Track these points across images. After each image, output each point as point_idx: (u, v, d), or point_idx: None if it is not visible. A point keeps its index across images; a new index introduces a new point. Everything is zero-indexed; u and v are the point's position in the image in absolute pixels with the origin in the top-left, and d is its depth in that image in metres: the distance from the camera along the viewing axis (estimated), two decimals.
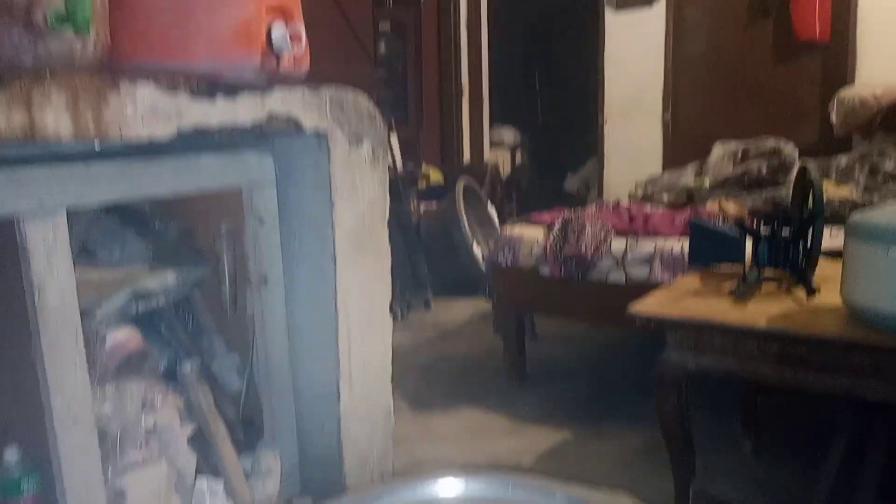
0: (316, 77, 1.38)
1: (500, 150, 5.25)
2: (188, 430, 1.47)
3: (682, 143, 4.13)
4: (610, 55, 4.43)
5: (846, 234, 1.39)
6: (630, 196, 3.16)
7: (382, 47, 5.09)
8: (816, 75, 3.89)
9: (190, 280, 1.52)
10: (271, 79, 1.28)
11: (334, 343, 1.54)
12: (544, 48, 5.88)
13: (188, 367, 1.50)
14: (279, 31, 1.21)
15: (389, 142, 3.98)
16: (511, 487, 0.88)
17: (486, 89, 5.39)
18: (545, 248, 2.38)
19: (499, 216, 4.14)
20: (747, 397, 1.96)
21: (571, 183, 5.05)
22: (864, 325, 1.33)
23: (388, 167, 3.78)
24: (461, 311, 3.46)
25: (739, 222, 1.79)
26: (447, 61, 5.09)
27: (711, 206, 2.66)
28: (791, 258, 1.68)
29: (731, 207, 2.54)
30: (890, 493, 1.54)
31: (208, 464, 1.52)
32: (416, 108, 5.19)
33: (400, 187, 3.70)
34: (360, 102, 1.53)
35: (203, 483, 1.48)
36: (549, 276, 2.36)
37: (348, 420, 1.59)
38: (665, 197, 2.93)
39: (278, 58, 1.23)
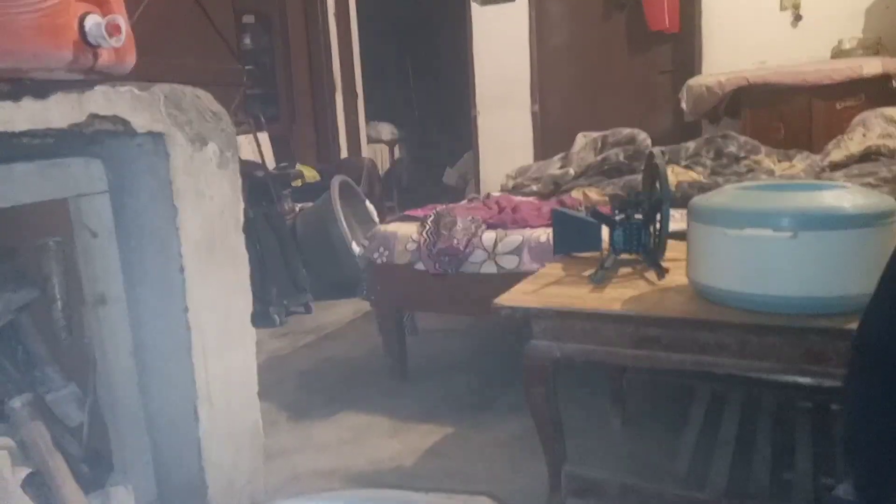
0: (161, 73, 1.26)
1: (378, 146, 5.20)
2: (23, 473, 1.32)
3: (551, 134, 4.27)
4: (478, 49, 4.49)
5: (688, 217, 1.47)
6: (501, 188, 3.22)
7: (248, 41, 4.87)
8: (668, 65, 4.14)
9: (13, 304, 1.35)
10: (90, 76, 1.15)
11: (188, 362, 1.43)
12: (417, 41, 5.87)
13: (18, 403, 1.34)
14: (93, 22, 1.09)
15: (257, 140, 3.82)
16: None
17: (360, 84, 5.31)
18: (419, 243, 2.36)
19: (379, 213, 4.09)
20: (614, 376, 2.04)
21: (450, 177, 5.09)
22: (708, 304, 1.41)
23: (258, 167, 3.62)
24: (342, 312, 3.39)
25: (595, 210, 1.86)
26: (317, 55, 4.96)
27: (576, 194, 2.75)
28: (643, 242, 1.76)
29: (593, 195, 2.64)
30: (746, 451, 1.66)
31: None
32: (287, 104, 5.01)
33: (272, 188, 3.56)
34: (203, 100, 1.42)
35: None
36: (424, 271, 2.34)
37: (210, 443, 1.48)
38: (533, 187, 3.00)
39: (95, 52, 1.12)
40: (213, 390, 1.47)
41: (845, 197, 1.30)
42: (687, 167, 2.86)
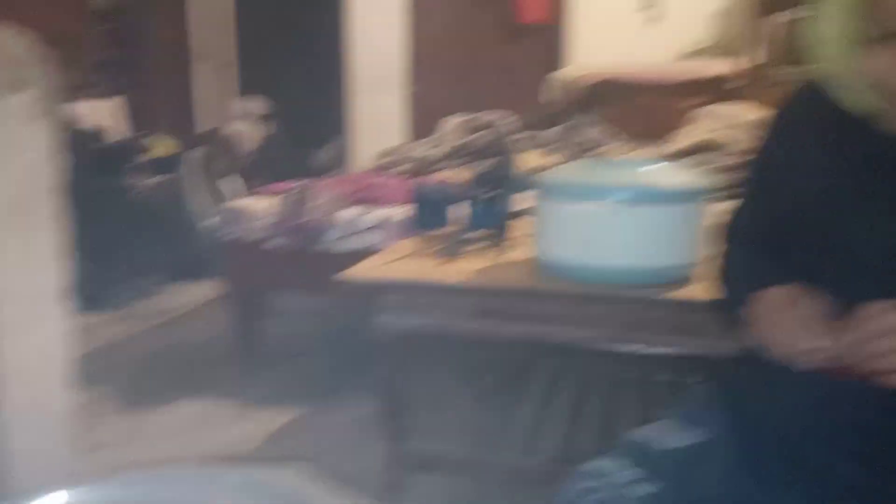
0: None
1: (250, 121, 4.95)
2: None
3: (426, 116, 4.26)
4: (354, 28, 4.40)
5: (537, 192, 1.50)
6: (371, 167, 3.17)
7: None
8: (540, 55, 4.26)
9: None
10: None
11: None
12: (300, 16, 5.65)
13: None
14: None
15: (108, 107, 3.52)
16: (154, 483, 0.77)
17: (235, 55, 5.05)
18: (275, 219, 2.27)
19: (246, 190, 3.90)
20: (468, 353, 2.07)
21: (325, 155, 4.96)
22: (546, 276, 1.45)
23: (99, 135, 3.33)
24: (195, 294, 3.20)
25: (452, 187, 1.86)
26: (181, 21, 4.65)
27: (442, 174, 2.76)
28: (497, 219, 1.79)
29: (459, 176, 2.66)
30: (579, 420, 1.74)
31: None
32: (149, 71, 4.66)
33: (116, 159, 3.29)
34: (13, 43, 1.27)
35: None
36: (279, 248, 2.25)
37: (18, 429, 1.34)
38: (403, 167, 2.98)
39: None
40: (18, 370, 1.32)
41: (668, 175, 1.38)
42: (550, 152, 2.96)
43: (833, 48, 0.76)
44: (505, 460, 1.56)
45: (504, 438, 1.72)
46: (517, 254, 1.63)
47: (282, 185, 2.44)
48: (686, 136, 2.89)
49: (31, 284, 1.33)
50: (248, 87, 5.11)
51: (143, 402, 2.14)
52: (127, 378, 2.32)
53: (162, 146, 3.79)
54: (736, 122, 2.69)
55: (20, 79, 1.28)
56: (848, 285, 0.70)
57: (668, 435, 0.85)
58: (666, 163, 1.55)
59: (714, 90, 3.46)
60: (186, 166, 3.34)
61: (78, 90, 3.22)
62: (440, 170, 2.86)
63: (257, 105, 4.93)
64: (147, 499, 0.77)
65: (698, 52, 3.84)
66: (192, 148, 3.77)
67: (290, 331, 2.69)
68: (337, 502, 0.76)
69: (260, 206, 2.33)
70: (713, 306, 0.94)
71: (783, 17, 3.39)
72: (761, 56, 3.47)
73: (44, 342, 1.36)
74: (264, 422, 2.00)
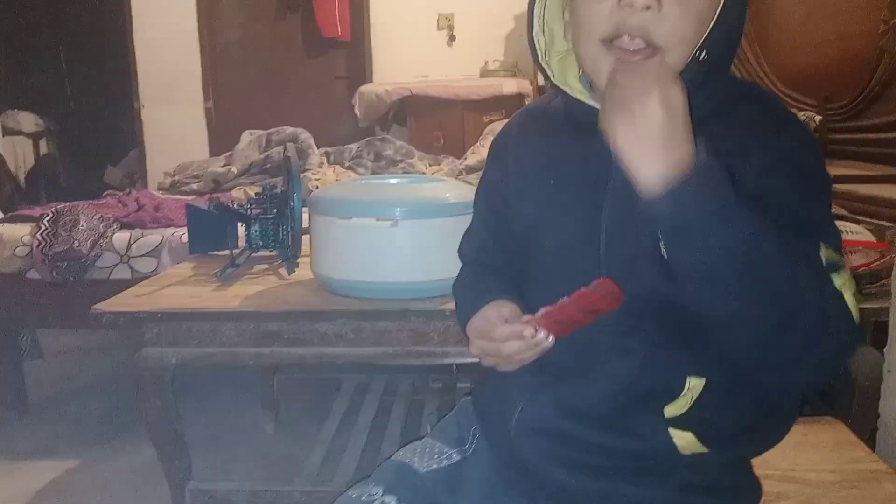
0: None
1: (18, 139, 4.38)
2: None
3: (225, 132, 4.05)
4: (141, 38, 4.07)
5: (310, 209, 1.45)
6: (159, 186, 2.93)
7: None
8: (342, 71, 4.24)
9: None
10: None
11: None
12: (73, 22, 5.10)
13: None
14: None
15: None
16: None
17: (9, 67, 4.45)
18: (31, 247, 1.99)
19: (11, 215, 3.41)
20: (264, 378, 1.96)
21: (113, 175, 4.53)
22: (328, 295, 1.40)
23: None
24: None
25: (227, 205, 1.75)
26: None
27: (237, 192, 2.61)
28: (279, 238, 1.71)
29: (254, 193, 2.53)
30: (379, 437, 1.70)
31: None
32: None
33: None
34: None
35: None
36: (39, 280, 1.98)
37: None
38: (193, 185, 2.79)
39: None
40: None
41: (441, 189, 1.40)
42: (349, 168, 2.93)
43: (552, 60, 0.79)
44: (299, 489, 1.48)
45: (302, 466, 1.64)
46: (302, 274, 1.57)
47: (41, 209, 2.16)
48: (482, 149, 3.01)
49: None
50: (14, 101, 4.51)
51: None
52: None
53: None
54: None
55: None
56: (552, 292, 0.72)
57: (426, 456, 0.83)
58: (443, 178, 1.58)
59: (510, 107, 3.67)
60: None
61: None
62: (235, 187, 2.71)
63: (27, 120, 4.37)
64: None
65: (491, 72, 4.05)
66: None
67: (58, 373, 2.37)
68: None
69: (10, 233, 2.04)
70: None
71: None
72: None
73: None
74: (31, 477, 1.74)
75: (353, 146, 2.96)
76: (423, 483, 0.80)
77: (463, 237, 0.97)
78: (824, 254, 0.65)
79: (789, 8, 2.82)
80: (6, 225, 2.11)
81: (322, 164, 2.82)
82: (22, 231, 2.05)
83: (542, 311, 0.69)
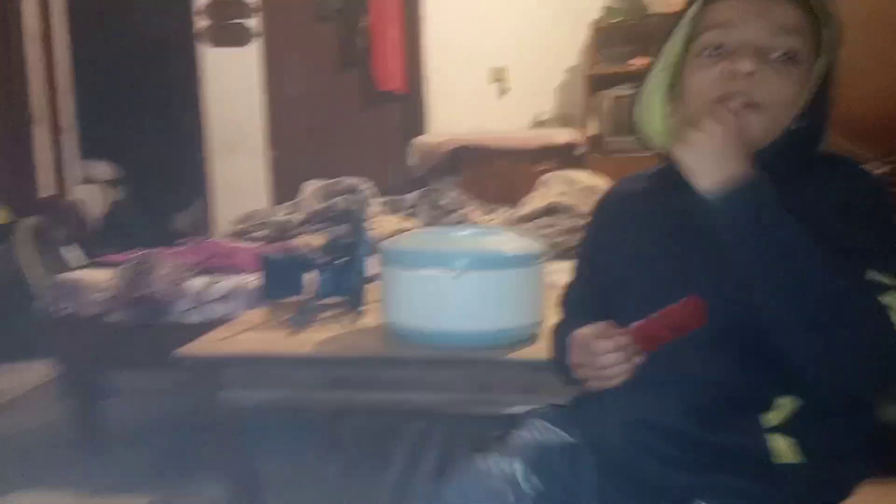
0: None
1: (93, 187, 4.65)
2: None
3: (287, 182, 4.22)
4: (209, 91, 4.32)
5: (381, 260, 1.52)
6: (226, 234, 3.07)
7: None
8: (398, 122, 4.39)
9: None
10: None
11: None
12: (145, 76, 5.44)
13: None
14: None
15: None
16: None
17: (72, 117, 4.75)
18: (114, 291, 2.12)
19: (92, 260, 3.62)
20: (328, 424, 2.01)
21: (181, 222, 4.75)
22: (398, 342, 1.46)
23: None
24: (26, 377, 2.88)
25: (301, 254, 1.84)
26: (10, 81, 4.33)
27: (301, 240, 2.72)
28: (349, 285, 1.78)
29: (317, 242, 2.64)
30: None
31: None
32: None
33: None
34: None
35: None
36: (119, 323, 2.10)
37: None
38: (259, 233, 2.91)
39: None
40: None
41: (504, 241, 1.45)
42: (406, 217, 3.02)
43: (652, 125, 0.90)
44: None
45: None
46: (369, 321, 1.63)
47: (122, 256, 2.30)
48: (536, 200, 3.07)
49: None
50: (92, 151, 4.81)
51: None
52: None
53: None
54: (576, 187, 2.91)
55: None
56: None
57: (543, 436, 0.91)
58: (504, 228, 1.63)
59: (561, 157, 3.73)
60: (22, 235, 3.06)
61: None
62: (298, 235, 2.82)
63: (103, 170, 4.65)
64: None
65: (543, 123, 4.14)
66: (28, 216, 3.47)
67: (133, 413, 2.47)
68: None
69: (98, 278, 2.17)
70: (552, 368, 1.01)
71: (611, 93, 3.78)
72: (596, 127, 3.81)
73: None
74: None
75: (410, 196, 3.06)
76: (548, 455, 0.88)
77: (566, 289, 1.05)
78: (875, 276, 0.71)
79: (845, 59, 2.83)
80: (89, 270, 2.25)
81: (381, 214, 2.92)
82: (102, 276, 2.18)
83: (633, 325, 0.77)
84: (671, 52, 0.86)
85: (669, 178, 0.84)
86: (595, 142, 3.90)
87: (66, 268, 3.27)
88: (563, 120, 4.11)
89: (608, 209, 0.99)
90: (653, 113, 0.89)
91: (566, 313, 1.02)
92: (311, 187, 3.24)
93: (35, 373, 2.87)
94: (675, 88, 0.87)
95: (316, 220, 2.94)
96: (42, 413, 2.50)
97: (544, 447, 0.89)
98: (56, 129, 4.49)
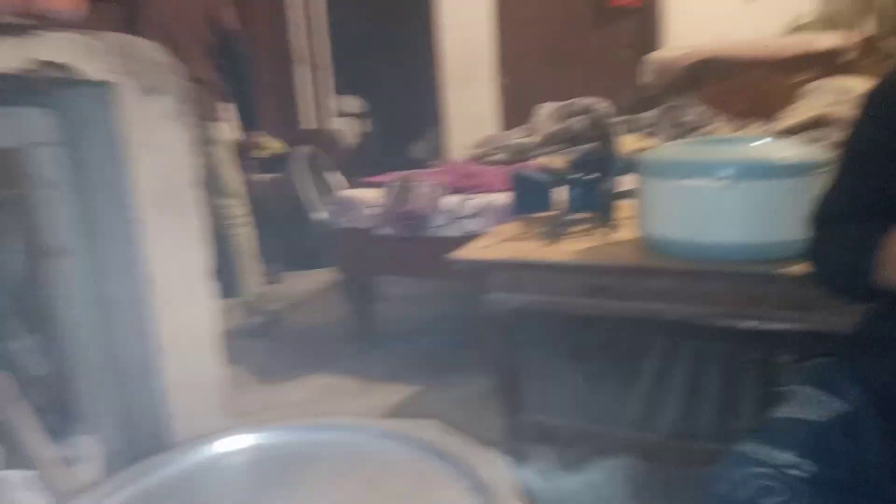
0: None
1: (347, 119, 5.18)
2: None
3: (516, 106, 4.30)
4: (442, 22, 4.49)
5: (640, 171, 1.52)
6: (467, 157, 3.25)
7: None
8: (630, 38, 4.19)
9: None
10: (36, 19, 1.15)
11: (150, 314, 1.44)
12: (384, 13, 5.82)
13: None
14: None
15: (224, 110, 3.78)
16: (315, 430, 0.87)
17: (329, 57, 5.29)
18: (383, 208, 2.39)
19: (348, 185, 4.09)
20: (574, 333, 2.11)
21: (418, 149, 5.11)
22: (656, 253, 1.47)
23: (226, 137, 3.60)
24: (312, 281, 3.41)
25: (551, 170, 1.90)
26: (280, 27, 4.91)
27: (540, 161, 2.79)
28: (598, 200, 1.81)
29: (556, 161, 2.68)
30: (694, 399, 1.73)
31: (16, 457, 1.38)
32: (255, 76, 4.96)
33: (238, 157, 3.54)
34: (155, 53, 1.42)
35: (9, 475, 1.34)
36: (387, 235, 2.37)
37: (175, 394, 1.50)
38: (498, 156, 3.04)
39: None
40: (175, 342, 1.48)
41: (778, 149, 1.36)
42: (648, 135, 2.92)
43: None
44: (622, 434, 1.59)
45: (619, 414, 1.75)
46: (622, 234, 1.66)
47: (386, 177, 2.57)
48: (796, 113, 2.78)
49: (182, 265, 1.49)
50: (343, 86, 5.33)
51: (275, 378, 2.33)
52: (257, 357, 2.52)
53: (272, 146, 4.04)
54: (849, 96, 2.56)
55: (164, 84, 1.44)
56: None
57: (812, 411, 0.84)
58: (775, 138, 1.53)
59: (823, 64, 3.29)
60: (295, 163, 3.55)
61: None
62: (536, 157, 2.89)
63: (353, 103, 5.14)
64: (308, 440, 0.87)
65: (802, 27, 3.66)
66: (297, 146, 3.99)
67: (401, 314, 2.82)
68: (470, 451, 0.83)
69: (367, 197, 2.46)
70: (817, 286, 0.94)
71: None
72: (871, 27, 3.27)
73: (195, 316, 1.52)
74: (385, 396, 2.13)
75: (650, 114, 2.95)
76: (821, 431, 0.80)
77: (821, 199, 0.94)
78: None
79: None
80: (362, 189, 2.55)
81: (620, 132, 2.86)
82: (373, 194, 2.46)
83: None
84: None
85: None
86: (869, 44, 3.36)
87: (332, 190, 3.74)
88: (829, 22, 3.59)
89: (888, 102, 0.84)
90: None
91: (835, 224, 0.90)
92: (546, 110, 3.27)
93: (319, 278, 3.38)
94: None
95: (552, 141, 2.98)
96: (326, 312, 2.95)
97: (817, 426, 0.80)
98: (314, 68, 5.04)
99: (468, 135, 4.19)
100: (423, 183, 2.36)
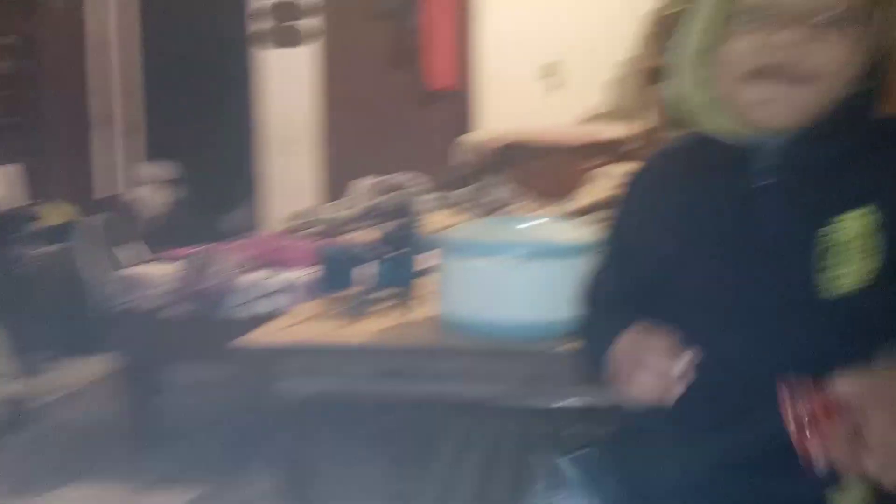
0: None
1: (156, 186, 4.80)
2: None
3: (338, 179, 4.26)
4: (264, 91, 4.40)
5: (439, 250, 1.50)
6: (281, 229, 3.11)
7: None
8: (449, 119, 4.39)
9: None
10: None
11: None
12: (204, 78, 5.60)
13: None
14: None
15: None
16: None
17: (142, 120, 4.95)
18: (172, 286, 2.16)
19: (151, 258, 3.73)
20: (378, 418, 2.01)
21: (233, 220, 4.85)
22: (455, 333, 1.44)
23: None
24: (88, 371, 2.98)
25: (357, 247, 1.84)
26: (80, 85, 4.53)
27: (352, 236, 2.74)
28: (404, 277, 1.77)
29: (367, 237, 2.64)
30: (490, 479, 1.69)
31: None
32: (46, 137, 4.47)
33: (11, 227, 3.09)
34: None
35: None
36: (177, 317, 2.15)
37: None
38: (312, 229, 2.95)
39: None
40: None
41: (564, 230, 1.42)
42: (460, 212, 3.00)
43: (691, 100, 0.78)
44: None
45: (416, 501, 1.66)
46: (422, 312, 1.62)
47: (181, 251, 2.35)
48: (587, 195, 3.02)
49: None
50: (157, 152, 4.98)
51: (30, 487, 1.95)
52: (13, 461, 2.11)
53: (56, 213, 3.59)
54: None
55: None
56: (690, 335, 0.71)
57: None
58: (561, 220, 1.60)
59: (612, 152, 3.64)
60: (82, 234, 3.17)
61: None
62: (351, 231, 2.84)
63: (164, 170, 4.79)
64: None
65: (596, 117, 4.06)
66: (89, 215, 3.59)
67: (190, 404, 2.53)
68: None
69: (157, 273, 2.23)
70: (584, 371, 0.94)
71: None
72: (652, 120, 3.70)
73: None
74: (167, 500, 1.85)
75: (461, 192, 3.04)
76: None
77: (588, 279, 0.96)
78: None
79: None
80: (149, 265, 2.31)
81: (432, 209, 2.91)
82: (160, 271, 2.24)
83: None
84: (705, 18, 0.75)
85: (711, 151, 0.77)
86: (651, 135, 3.79)
87: (124, 265, 3.38)
88: (618, 114, 4.02)
89: (645, 186, 0.87)
90: (689, 85, 0.78)
91: (592, 307, 0.92)
92: (363, 184, 3.25)
93: (94, 367, 2.97)
94: (711, 57, 0.75)
95: (367, 216, 2.95)
96: (101, 406, 2.58)
97: None
98: (125, 131, 4.67)
99: (288, 206, 4.05)
100: (222, 258, 2.19)
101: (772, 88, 0.69)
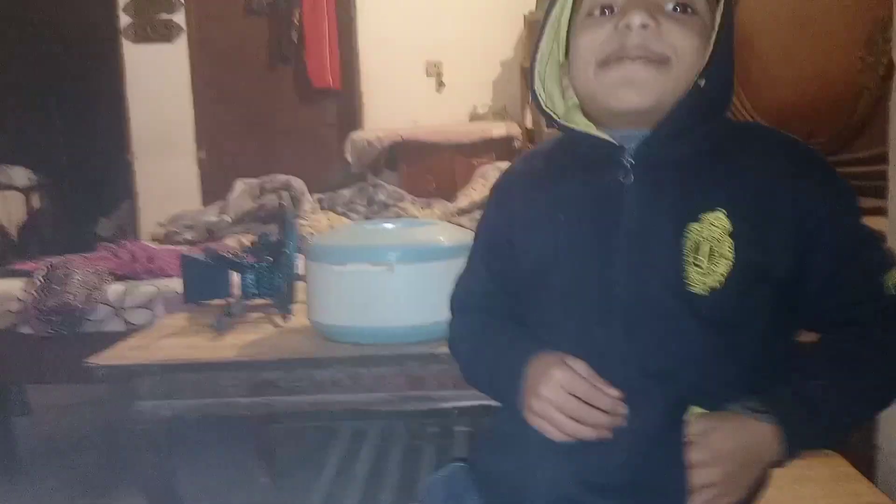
0: None
1: (9, 193, 4.38)
2: None
3: (217, 181, 4.07)
4: (133, 90, 4.13)
5: (306, 257, 1.45)
6: (152, 237, 2.93)
7: None
8: (333, 118, 4.30)
9: None
10: None
11: None
12: (65, 75, 5.16)
13: None
14: None
15: None
16: None
17: None
18: (25, 302, 1.98)
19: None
20: (258, 427, 1.93)
21: (105, 228, 4.53)
22: (324, 341, 1.40)
23: None
24: None
25: (221, 254, 1.75)
26: None
27: (231, 241, 2.62)
28: (275, 286, 1.70)
29: (244, 241, 2.54)
30: (377, 483, 1.67)
31: None
32: None
33: None
34: None
35: None
36: (31, 335, 1.96)
37: None
38: (187, 235, 2.79)
39: None
40: None
41: (435, 232, 1.41)
42: (343, 214, 2.95)
43: (551, 100, 0.80)
44: None
45: None
46: (299, 322, 1.56)
47: (34, 264, 2.15)
48: (475, 192, 3.05)
49: None
50: (7, 155, 4.54)
51: None
52: None
53: None
54: None
55: None
56: (561, 334, 0.73)
57: None
58: (439, 220, 1.59)
59: (498, 150, 3.72)
60: None
61: None
62: (228, 235, 2.72)
63: (19, 175, 4.38)
64: None
65: (482, 116, 4.12)
66: None
67: (55, 429, 2.33)
68: None
69: (9, 289, 2.03)
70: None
71: None
72: (531, 119, 3.81)
73: None
74: None
75: (346, 192, 2.99)
76: None
77: (457, 284, 0.96)
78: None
79: (768, 44, 2.89)
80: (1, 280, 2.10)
81: (315, 210, 2.84)
82: (15, 286, 2.04)
83: None
84: (560, 19, 0.78)
85: (577, 150, 0.78)
86: (531, 134, 3.90)
87: None
88: (500, 113, 4.10)
89: (511, 187, 0.87)
90: (550, 87, 0.80)
91: (461, 311, 0.93)
92: (242, 186, 3.13)
93: None
94: (569, 56, 0.78)
95: (247, 219, 2.84)
96: None
97: None
98: None
99: (164, 211, 3.82)
100: (79, 270, 2.02)
101: (625, 68, 0.71)
